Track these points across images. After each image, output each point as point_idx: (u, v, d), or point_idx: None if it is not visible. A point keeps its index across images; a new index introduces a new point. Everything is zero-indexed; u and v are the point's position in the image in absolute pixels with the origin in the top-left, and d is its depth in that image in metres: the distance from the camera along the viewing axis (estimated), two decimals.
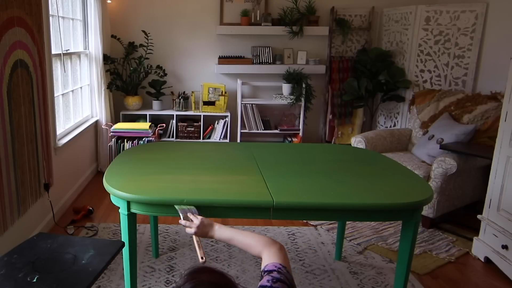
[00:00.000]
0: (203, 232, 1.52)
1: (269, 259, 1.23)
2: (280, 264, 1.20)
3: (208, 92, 4.81)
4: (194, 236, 1.55)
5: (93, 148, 4.48)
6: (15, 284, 1.56)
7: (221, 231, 1.48)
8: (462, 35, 4.03)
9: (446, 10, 4.07)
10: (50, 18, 3.18)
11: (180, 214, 1.67)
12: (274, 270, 1.17)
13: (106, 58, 4.49)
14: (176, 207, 1.73)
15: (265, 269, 1.19)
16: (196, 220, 1.54)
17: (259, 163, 2.26)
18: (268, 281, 1.12)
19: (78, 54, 4.13)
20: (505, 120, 2.67)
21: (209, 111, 4.82)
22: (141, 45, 4.74)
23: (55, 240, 1.90)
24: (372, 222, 3.39)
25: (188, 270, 1.05)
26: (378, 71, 4.54)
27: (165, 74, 4.82)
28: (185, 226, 1.58)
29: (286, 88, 4.77)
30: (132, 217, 1.91)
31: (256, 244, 1.32)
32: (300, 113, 4.84)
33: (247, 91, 5.08)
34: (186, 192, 1.85)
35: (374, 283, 2.58)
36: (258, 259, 2.78)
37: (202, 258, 1.49)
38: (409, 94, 4.32)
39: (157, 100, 4.83)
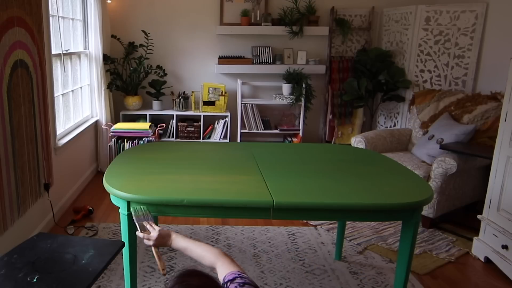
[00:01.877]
0: (161, 243, 1.53)
1: (224, 270, 1.27)
2: (238, 271, 1.23)
3: (208, 92, 4.81)
4: (153, 248, 1.55)
5: (93, 148, 4.48)
6: (15, 284, 1.56)
7: (177, 240, 1.51)
8: (462, 35, 4.03)
9: (446, 10, 4.07)
10: (50, 18, 3.18)
11: (137, 225, 1.64)
12: (236, 277, 1.20)
13: (106, 58, 4.49)
14: (133, 214, 1.71)
15: (226, 279, 1.22)
16: (154, 232, 1.53)
17: (259, 163, 2.26)
18: (236, 287, 1.15)
19: (78, 54, 4.13)
20: (505, 120, 2.67)
21: (209, 111, 4.82)
22: (141, 45, 4.74)
23: (55, 240, 1.90)
24: (372, 222, 3.39)
25: (179, 272, 1.08)
26: (378, 71, 4.53)
27: (165, 74, 4.82)
28: (143, 239, 1.56)
29: (286, 88, 4.77)
30: (132, 217, 1.91)
31: (208, 255, 1.37)
32: (300, 113, 4.84)
33: (247, 91, 5.08)
34: (186, 192, 1.85)
35: (374, 283, 2.58)
36: (258, 259, 2.79)
37: (163, 270, 1.49)
38: (409, 94, 4.32)
39: (157, 100, 4.83)
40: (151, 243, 1.53)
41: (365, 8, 4.88)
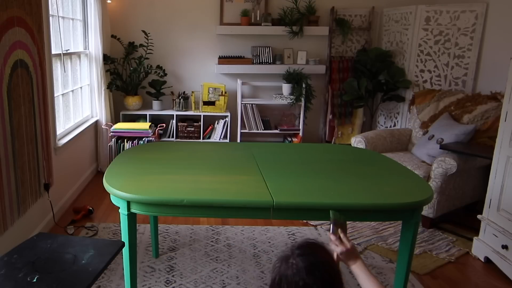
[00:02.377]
0: (347, 258, 1.44)
1: None
2: None
3: (208, 92, 4.81)
4: (336, 256, 1.46)
5: (93, 148, 4.48)
6: (15, 284, 1.56)
7: (361, 267, 1.42)
8: (462, 35, 4.03)
9: (446, 10, 4.07)
10: (50, 18, 3.18)
11: (332, 227, 1.54)
12: None
13: (106, 58, 4.49)
14: (331, 215, 1.60)
15: None
16: (348, 244, 1.45)
17: (259, 163, 2.26)
18: None
19: (78, 54, 4.13)
20: (505, 120, 2.66)
21: (209, 111, 4.82)
22: (141, 45, 4.74)
23: (55, 240, 1.90)
24: (372, 222, 3.39)
25: (305, 239, 1.07)
26: (378, 71, 4.54)
27: (165, 74, 4.82)
28: (332, 242, 1.48)
29: (286, 88, 4.77)
30: (132, 217, 1.91)
31: None
32: (300, 113, 4.84)
33: (247, 91, 5.08)
34: (186, 192, 1.85)
35: None
36: (258, 259, 2.79)
37: None
38: (409, 94, 4.32)
39: (157, 100, 4.83)
40: (339, 250, 1.44)
41: (365, 8, 4.88)
